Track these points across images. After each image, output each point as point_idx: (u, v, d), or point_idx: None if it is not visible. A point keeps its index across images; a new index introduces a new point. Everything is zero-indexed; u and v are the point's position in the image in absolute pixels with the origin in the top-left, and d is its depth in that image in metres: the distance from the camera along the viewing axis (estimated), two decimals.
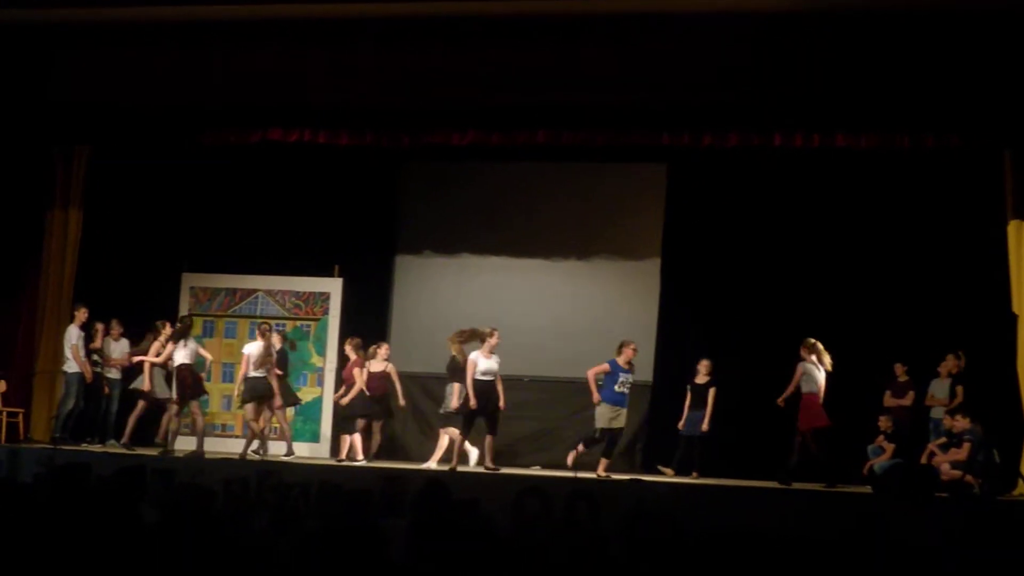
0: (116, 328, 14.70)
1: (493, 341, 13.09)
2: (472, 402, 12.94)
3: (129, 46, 13.65)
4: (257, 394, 13.67)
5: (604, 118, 13.37)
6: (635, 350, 13.17)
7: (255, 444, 13.79)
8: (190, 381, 13.73)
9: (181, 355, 13.69)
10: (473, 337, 13.32)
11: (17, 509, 5.93)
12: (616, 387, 13.00)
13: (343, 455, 13.76)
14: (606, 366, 13.03)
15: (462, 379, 13.30)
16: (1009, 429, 12.66)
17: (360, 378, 13.79)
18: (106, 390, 14.63)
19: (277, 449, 14.02)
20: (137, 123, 14.22)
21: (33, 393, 14.85)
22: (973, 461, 12.19)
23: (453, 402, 13.47)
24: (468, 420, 13.15)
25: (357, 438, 13.75)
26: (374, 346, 14.09)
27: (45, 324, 14.90)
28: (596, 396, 12.98)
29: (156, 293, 15.37)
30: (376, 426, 14.05)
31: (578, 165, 15.11)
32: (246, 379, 13.73)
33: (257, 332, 14.05)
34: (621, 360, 13.07)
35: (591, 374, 13.07)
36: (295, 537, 5.46)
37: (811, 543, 5.46)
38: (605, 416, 12.98)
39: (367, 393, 13.82)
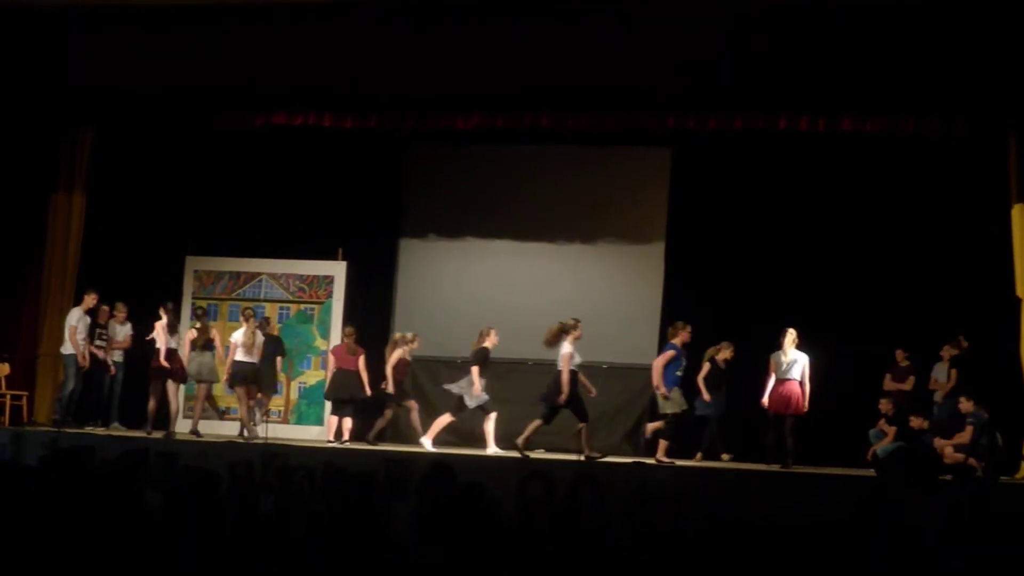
0: (121, 311, 14.70)
1: (578, 332, 13.06)
2: (564, 394, 12.86)
3: (133, 30, 13.62)
4: (246, 378, 13.90)
5: (609, 102, 13.34)
6: (691, 332, 13.09)
7: (252, 426, 13.98)
8: (175, 367, 13.97)
9: (169, 340, 13.92)
10: (566, 331, 13.13)
11: (22, 492, 5.94)
12: (678, 371, 12.94)
13: (345, 436, 13.84)
14: (671, 352, 12.92)
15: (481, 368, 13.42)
16: (1012, 412, 12.67)
17: (391, 364, 13.96)
18: (112, 371, 14.63)
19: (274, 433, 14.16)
20: (141, 107, 14.19)
21: (37, 376, 14.86)
22: (976, 444, 12.21)
23: (477, 389, 13.46)
24: (555, 411, 13.04)
25: (348, 421, 13.93)
26: (408, 334, 14.18)
27: (49, 307, 14.89)
28: (663, 389, 12.83)
29: (160, 276, 15.38)
30: (387, 411, 14.20)
31: (583, 149, 15.08)
32: (234, 364, 13.92)
33: (241, 317, 14.21)
34: (678, 342, 13.00)
35: (660, 364, 12.87)
36: (300, 520, 5.47)
37: (812, 526, 5.47)
38: (678, 400, 12.93)
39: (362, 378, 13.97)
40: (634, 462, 12.45)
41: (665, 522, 5.34)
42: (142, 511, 5.59)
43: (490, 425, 13.48)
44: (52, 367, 14.76)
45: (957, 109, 12.68)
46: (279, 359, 14.49)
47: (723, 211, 14.69)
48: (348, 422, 13.93)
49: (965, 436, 12.36)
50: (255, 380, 14.06)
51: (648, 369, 14.53)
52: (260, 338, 14.03)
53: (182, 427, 14.20)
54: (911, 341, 13.52)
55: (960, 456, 12.16)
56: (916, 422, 12.90)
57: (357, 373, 13.99)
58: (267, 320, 14.72)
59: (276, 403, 14.79)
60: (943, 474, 11.76)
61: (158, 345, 14.00)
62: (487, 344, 13.65)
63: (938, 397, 13.26)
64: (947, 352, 13.24)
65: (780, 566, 4.88)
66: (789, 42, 12.48)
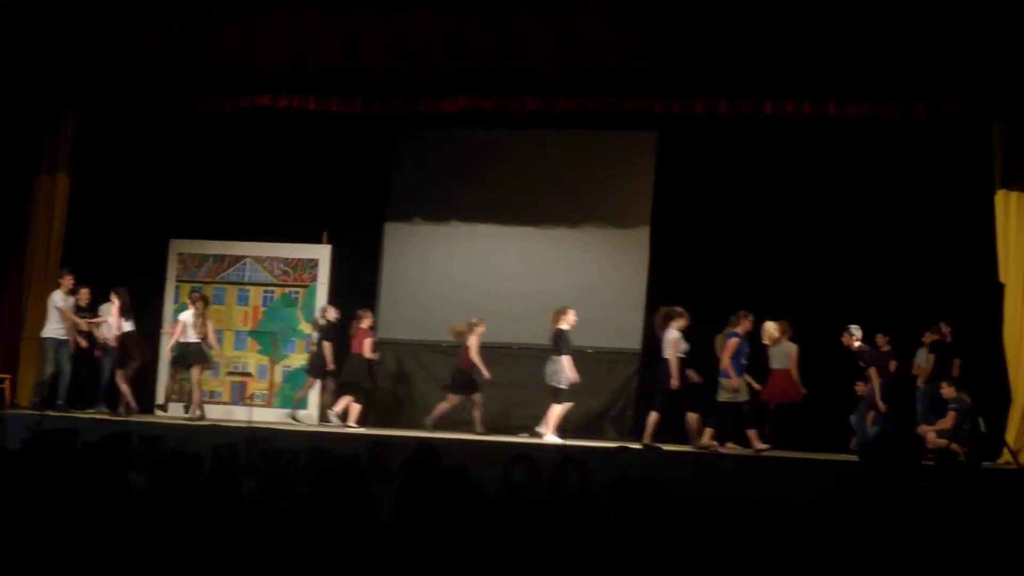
0: (118, 298, 14.58)
1: (683, 321, 12.94)
2: (674, 381, 12.77)
3: (119, 10, 13.56)
4: (192, 359, 13.99)
5: (595, 85, 13.32)
6: (752, 321, 13.02)
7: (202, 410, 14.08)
8: (134, 349, 14.07)
9: (127, 324, 14.03)
10: (671, 318, 12.99)
11: (4, 474, 5.93)
12: (743, 359, 12.90)
13: (338, 415, 13.86)
14: (736, 340, 12.85)
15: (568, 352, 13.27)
16: (995, 398, 12.72)
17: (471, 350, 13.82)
18: (117, 344, 14.46)
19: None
20: (125, 88, 14.12)
21: (20, 359, 14.80)
22: (959, 430, 12.25)
23: (569, 375, 13.29)
24: (666, 397, 12.94)
25: (355, 405, 13.90)
26: (473, 319, 14.00)
27: (32, 290, 14.83)
28: (734, 379, 12.74)
29: (144, 259, 15.33)
30: (476, 397, 14.04)
31: (569, 132, 15.05)
32: (181, 345, 13.98)
33: (188, 300, 14.25)
34: (741, 331, 12.94)
35: (729, 353, 12.78)
36: (285, 503, 5.47)
37: (797, 508, 5.48)
38: (744, 389, 12.91)
39: (367, 360, 13.99)
40: (619, 446, 12.46)
41: (650, 504, 5.34)
42: (126, 494, 5.58)
43: (557, 411, 13.32)
44: (35, 350, 14.70)
45: (943, 94, 12.69)
46: (328, 344, 14.37)
47: (709, 195, 14.68)
48: (355, 408, 13.92)
49: (948, 422, 12.39)
50: (204, 360, 14.11)
51: (634, 355, 14.60)
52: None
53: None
54: (893, 326, 13.56)
55: (943, 442, 12.19)
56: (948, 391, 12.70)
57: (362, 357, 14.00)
58: (324, 308, 14.64)
59: (260, 387, 14.76)
60: (925, 459, 11.82)
61: (125, 329, 14.03)
62: (563, 326, 13.46)
63: (920, 383, 13.31)
64: (928, 338, 13.28)
65: (769, 550, 4.89)
66: (775, 27, 12.47)
